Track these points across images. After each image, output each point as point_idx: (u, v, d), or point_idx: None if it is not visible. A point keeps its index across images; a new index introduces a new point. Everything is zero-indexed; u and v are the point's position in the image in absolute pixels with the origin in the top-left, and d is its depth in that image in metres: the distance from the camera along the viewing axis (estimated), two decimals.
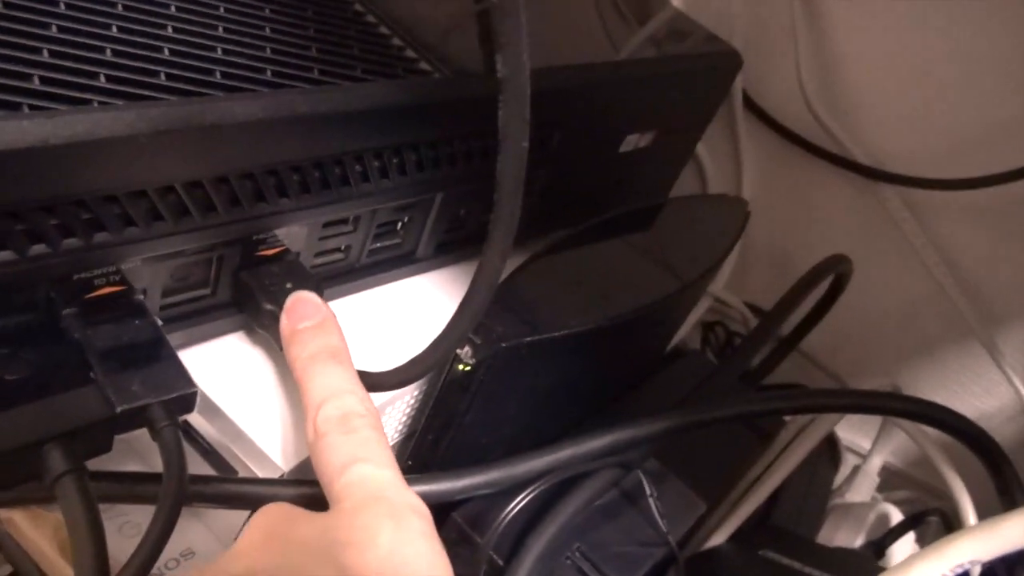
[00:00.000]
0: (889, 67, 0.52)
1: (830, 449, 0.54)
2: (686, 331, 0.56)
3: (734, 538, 0.40)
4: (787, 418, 0.47)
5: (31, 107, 0.22)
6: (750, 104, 0.57)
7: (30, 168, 0.22)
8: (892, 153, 0.53)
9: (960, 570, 0.18)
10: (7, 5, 0.25)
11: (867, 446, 0.53)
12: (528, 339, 0.31)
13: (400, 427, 0.35)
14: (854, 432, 0.59)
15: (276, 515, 0.23)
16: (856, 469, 0.52)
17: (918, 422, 0.36)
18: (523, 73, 0.20)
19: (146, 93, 0.24)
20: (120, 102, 0.24)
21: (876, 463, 0.51)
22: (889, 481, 0.58)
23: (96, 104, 0.23)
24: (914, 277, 0.55)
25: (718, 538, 0.40)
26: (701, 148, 0.59)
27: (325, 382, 0.27)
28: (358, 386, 0.27)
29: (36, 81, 0.23)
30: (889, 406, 0.36)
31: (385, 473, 0.24)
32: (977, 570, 0.35)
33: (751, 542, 0.40)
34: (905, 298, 0.56)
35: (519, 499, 0.31)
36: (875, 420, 0.53)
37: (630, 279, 0.39)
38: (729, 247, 0.44)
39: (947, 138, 0.52)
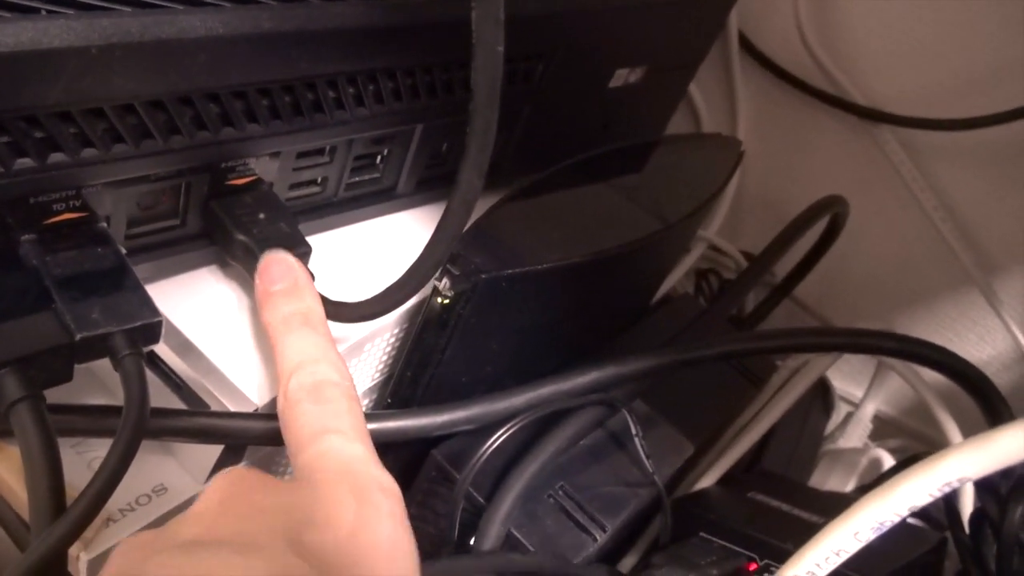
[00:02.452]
0: (888, 6, 0.51)
1: (823, 396, 0.53)
2: (678, 278, 0.55)
3: (723, 481, 0.40)
4: (779, 363, 0.46)
5: None
6: (746, 45, 0.56)
7: None
8: (890, 94, 0.52)
9: (948, 488, 0.17)
10: None
11: (860, 395, 0.52)
12: (508, 271, 0.30)
13: (381, 366, 0.34)
14: (847, 381, 0.59)
15: (236, 480, 0.22)
16: (849, 416, 0.51)
17: (916, 363, 0.35)
18: None
19: (98, 3, 0.23)
20: (70, 11, 0.22)
21: (869, 410, 0.50)
22: (881, 430, 0.57)
23: (44, 12, 0.22)
24: (911, 221, 0.53)
25: (706, 481, 0.39)
26: (695, 90, 0.57)
27: (299, 347, 0.25)
28: (333, 352, 0.26)
29: None
30: (885, 346, 0.35)
31: (355, 447, 0.23)
32: (969, 494, 0.34)
33: (740, 484, 0.39)
34: (901, 243, 0.55)
35: (499, 434, 0.30)
36: (868, 369, 0.52)
37: (616, 217, 0.38)
38: (721, 186, 0.43)
39: (946, 78, 0.50)
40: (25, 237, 0.24)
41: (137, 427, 0.22)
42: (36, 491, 0.20)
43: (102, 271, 0.25)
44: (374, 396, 0.35)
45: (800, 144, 0.57)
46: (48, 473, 0.20)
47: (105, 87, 0.23)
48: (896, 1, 0.50)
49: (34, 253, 0.24)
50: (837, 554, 0.20)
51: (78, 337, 0.23)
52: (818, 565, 0.20)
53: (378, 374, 0.34)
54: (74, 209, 0.25)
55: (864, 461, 0.46)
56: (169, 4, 0.24)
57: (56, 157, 0.23)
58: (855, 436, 0.49)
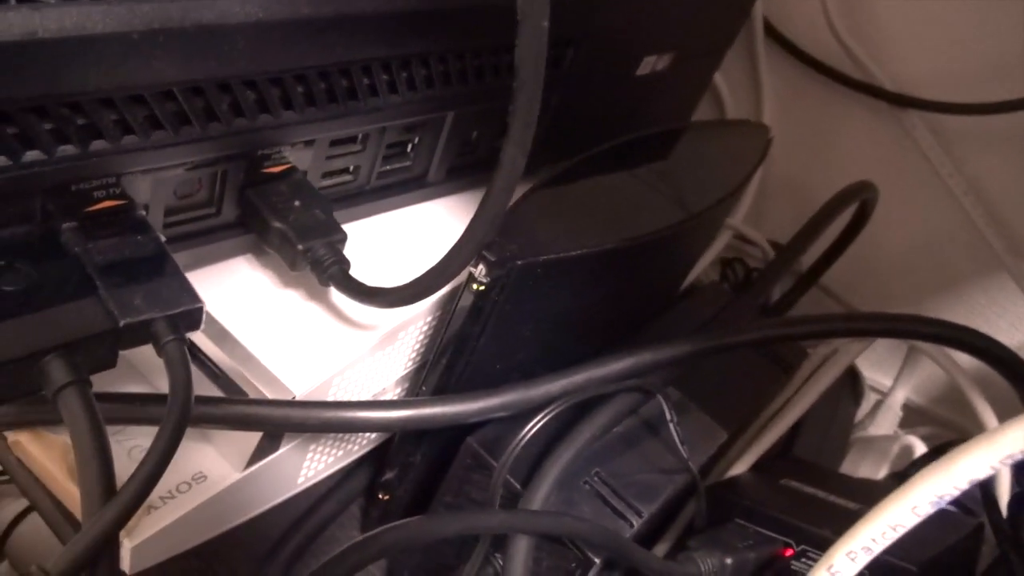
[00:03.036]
0: None
1: (853, 383, 0.53)
2: (704, 267, 0.55)
3: (755, 468, 0.40)
4: (810, 350, 0.45)
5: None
6: (771, 31, 0.56)
7: (19, 64, 0.21)
8: (918, 78, 0.52)
9: (1011, 461, 0.17)
10: None
11: (888, 383, 0.52)
12: (543, 258, 0.30)
13: (414, 354, 0.34)
14: (876, 370, 0.58)
15: None
16: (879, 403, 0.51)
17: (954, 348, 0.35)
18: None
19: None
20: None
21: (899, 397, 0.50)
22: (911, 417, 0.57)
23: None
24: (940, 207, 0.53)
25: (739, 468, 0.39)
26: (719, 77, 0.57)
27: None
28: None
29: None
30: (923, 331, 0.35)
31: None
32: (1005, 480, 0.34)
33: (773, 471, 0.39)
34: (930, 229, 0.54)
35: (535, 421, 0.30)
36: (897, 358, 0.51)
37: (647, 203, 0.38)
38: (750, 173, 0.42)
39: (974, 62, 0.50)
40: (66, 225, 0.24)
41: (183, 413, 0.22)
42: (86, 474, 0.20)
43: (142, 258, 0.25)
44: (407, 384, 0.35)
45: (827, 130, 0.56)
46: (98, 456, 0.20)
47: (146, 73, 0.23)
48: None
49: (76, 240, 0.24)
50: (894, 529, 0.20)
51: (122, 323, 0.23)
52: (874, 540, 0.20)
53: (411, 362, 0.34)
54: (114, 197, 0.25)
55: (895, 448, 0.45)
56: None
57: (97, 144, 0.24)
58: (885, 423, 0.49)
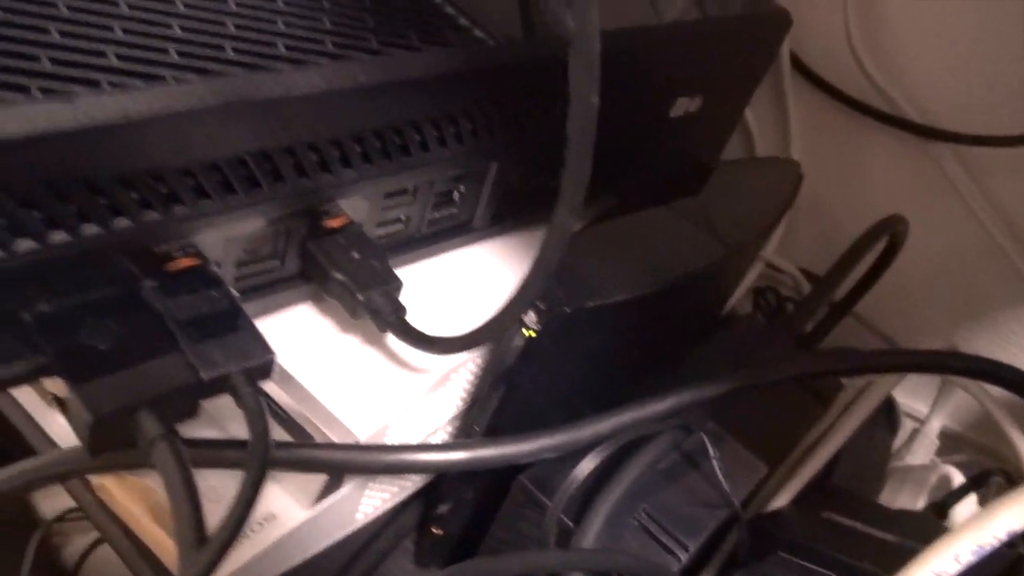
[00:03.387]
0: (940, 22, 0.52)
1: (888, 413, 0.53)
2: (738, 297, 0.56)
3: (795, 501, 0.41)
4: (845, 381, 0.46)
5: (110, 84, 0.23)
6: (797, 64, 0.57)
7: (111, 143, 0.22)
8: (945, 110, 0.53)
9: None
10: None
11: (925, 411, 0.52)
12: (588, 304, 0.31)
13: (464, 394, 0.35)
14: (911, 397, 0.59)
15: None
16: (915, 432, 0.51)
17: (981, 380, 0.36)
18: (592, 27, 0.20)
19: (215, 67, 0.25)
20: (192, 76, 0.24)
21: (935, 426, 0.51)
22: (948, 445, 0.57)
23: (169, 79, 0.24)
24: (970, 236, 0.54)
25: (779, 500, 0.40)
26: (748, 112, 0.58)
27: None
28: None
29: (113, 58, 0.24)
30: (951, 365, 0.36)
31: None
32: None
33: (813, 504, 0.40)
34: (961, 258, 0.55)
35: (586, 460, 0.31)
36: (932, 385, 0.52)
37: (684, 243, 0.39)
38: (783, 210, 0.44)
39: (1002, 94, 0.51)
40: (148, 283, 0.26)
41: (264, 461, 0.23)
42: (181, 522, 0.21)
43: (218, 313, 0.27)
44: (458, 423, 0.37)
45: (855, 162, 0.57)
46: (190, 504, 0.22)
47: (222, 143, 0.25)
48: (948, 18, 0.51)
49: (157, 298, 0.26)
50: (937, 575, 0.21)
51: (204, 377, 0.25)
52: None
53: (462, 401, 0.36)
54: (190, 255, 0.27)
55: (933, 478, 0.46)
56: (275, 64, 0.26)
57: (178, 209, 0.25)
58: (922, 452, 0.50)
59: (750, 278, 0.56)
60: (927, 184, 0.54)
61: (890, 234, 0.48)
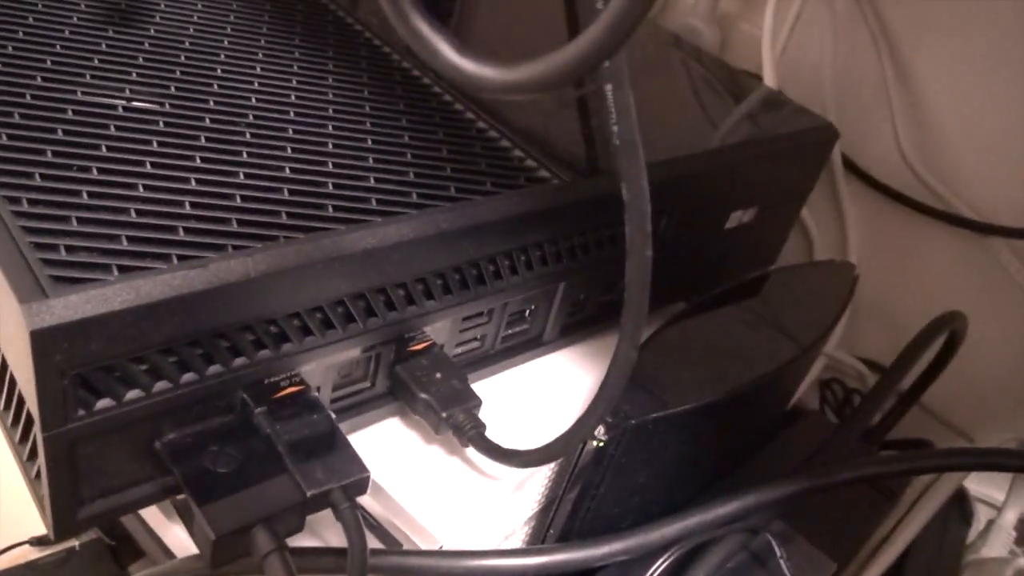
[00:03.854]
0: (986, 119, 0.54)
1: (960, 504, 0.53)
2: (803, 391, 0.57)
3: None
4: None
5: (233, 247, 0.27)
6: (850, 166, 0.59)
7: (236, 297, 0.26)
8: (997, 205, 0.54)
9: None
10: (203, 159, 0.30)
11: (1001, 498, 0.52)
12: (654, 416, 0.34)
13: (539, 497, 0.38)
14: (986, 485, 0.58)
15: None
16: (990, 524, 0.51)
17: None
18: (643, 198, 0.23)
19: (319, 225, 0.29)
20: (300, 235, 0.28)
21: (1011, 517, 0.50)
22: None
23: (281, 239, 0.28)
24: None
25: None
26: (806, 213, 0.61)
27: None
28: None
29: (234, 224, 0.28)
30: (1013, 463, 0.37)
31: None
32: None
33: None
34: None
35: (657, 566, 0.33)
36: (1006, 474, 0.52)
37: (746, 350, 0.42)
38: (840, 312, 0.46)
39: None
40: (259, 410, 0.30)
41: (363, 568, 0.26)
42: None
43: (319, 434, 0.30)
44: (533, 523, 0.39)
45: (912, 259, 0.59)
46: None
47: (325, 290, 0.29)
48: (993, 114, 0.53)
49: (266, 423, 0.30)
50: None
51: (309, 494, 0.28)
52: None
53: (536, 504, 0.38)
54: (294, 384, 0.31)
55: (1010, 572, 0.46)
56: (369, 217, 0.30)
57: (287, 347, 0.29)
58: (998, 545, 0.49)
59: (814, 372, 0.58)
60: (986, 278, 0.55)
61: (949, 330, 0.49)
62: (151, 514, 0.42)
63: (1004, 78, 0.52)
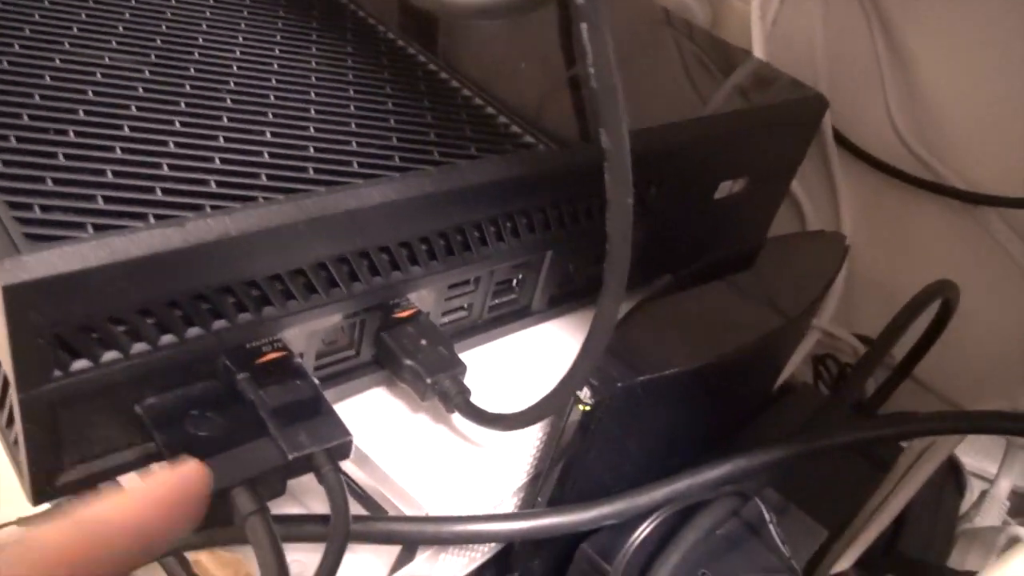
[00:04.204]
0: (977, 91, 0.53)
1: (954, 475, 0.53)
2: (796, 365, 0.57)
3: (859, 565, 0.41)
4: (904, 444, 0.47)
5: (212, 207, 0.27)
6: (841, 140, 0.59)
7: (215, 257, 0.26)
8: (989, 176, 0.54)
9: None
10: (182, 124, 0.30)
11: (994, 471, 0.52)
12: (641, 379, 0.34)
13: (528, 467, 0.38)
14: (981, 458, 0.58)
15: None
16: (984, 494, 0.51)
17: None
18: (623, 145, 0.23)
19: (300, 187, 0.29)
20: (280, 196, 0.28)
21: (1004, 487, 0.50)
22: (1022, 506, 0.56)
23: (261, 200, 0.28)
24: None
25: (842, 565, 0.41)
26: (797, 187, 0.60)
27: None
28: None
29: (213, 185, 0.28)
30: (1005, 425, 0.37)
31: None
32: None
33: (876, 568, 0.41)
34: (1018, 319, 0.55)
35: (643, 527, 0.33)
36: (999, 445, 0.52)
37: (735, 318, 0.41)
38: (829, 282, 0.45)
39: None
40: (241, 376, 0.29)
41: (344, 533, 0.26)
42: None
43: (302, 399, 0.30)
44: (522, 494, 0.39)
45: (905, 231, 0.59)
46: (280, 572, 0.25)
47: (307, 252, 0.29)
48: (985, 85, 0.53)
49: (249, 388, 0.29)
50: None
51: (291, 457, 0.28)
52: None
53: (526, 474, 0.38)
54: (277, 349, 0.30)
55: (1002, 540, 0.46)
56: (351, 179, 0.30)
57: (268, 310, 0.29)
58: (992, 514, 0.49)
59: (807, 347, 0.57)
60: (977, 248, 0.55)
61: (941, 299, 0.49)
62: None
63: (995, 50, 0.52)
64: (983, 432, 0.38)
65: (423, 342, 0.34)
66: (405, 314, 0.34)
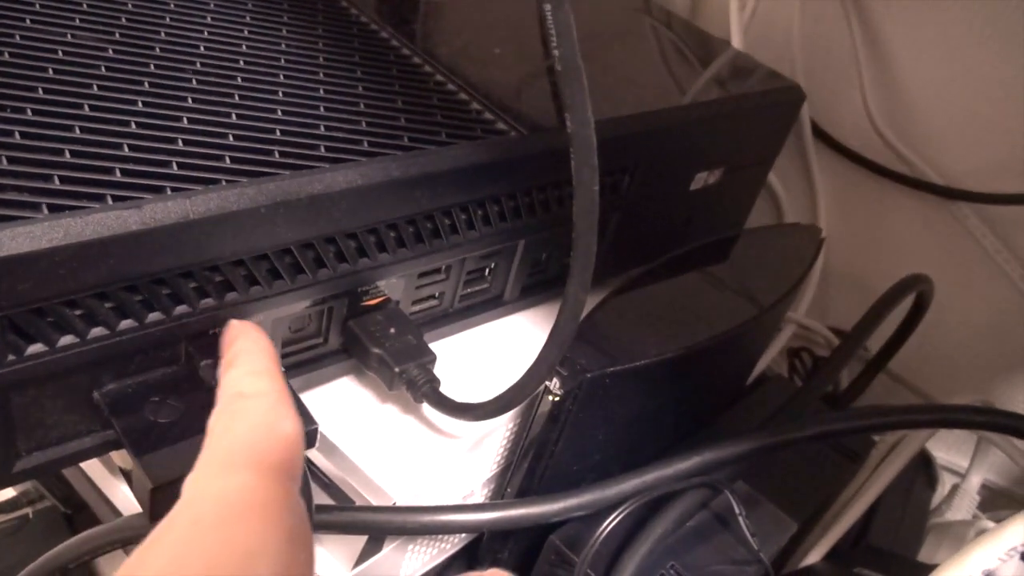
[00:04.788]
0: (954, 85, 0.53)
1: (926, 469, 0.53)
2: (771, 358, 0.57)
3: (829, 557, 0.41)
4: (877, 438, 0.47)
5: (172, 189, 0.26)
6: (819, 133, 0.59)
7: (174, 241, 0.26)
8: (964, 170, 0.54)
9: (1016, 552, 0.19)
10: (145, 104, 0.29)
11: (966, 465, 0.52)
12: (610, 369, 0.33)
13: (498, 458, 0.37)
14: (952, 452, 0.59)
15: None
16: (955, 488, 0.51)
17: (1006, 434, 0.37)
18: (589, 127, 0.22)
19: (264, 170, 0.28)
20: (244, 179, 0.27)
21: (975, 481, 0.51)
22: (993, 500, 0.57)
23: (224, 182, 0.27)
24: (999, 292, 0.54)
25: (812, 557, 0.41)
26: (775, 179, 0.60)
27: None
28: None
29: (175, 167, 0.27)
30: (975, 419, 0.37)
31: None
32: None
33: (846, 560, 0.41)
34: (992, 314, 0.56)
35: (611, 519, 0.33)
36: (971, 440, 0.52)
37: (707, 309, 0.41)
38: (803, 274, 0.45)
39: (1017, 152, 0.52)
40: (204, 363, 0.29)
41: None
42: None
43: None
44: (492, 486, 0.38)
45: (881, 224, 0.59)
46: None
47: (270, 237, 0.28)
48: (961, 80, 0.53)
49: (212, 375, 0.29)
50: None
51: None
52: None
53: (496, 465, 0.38)
54: None
55: (972, 533, 0.46)
56: (318, 164, 0.29)
57: (231, 296, 0.28)
58: (963, 508, 0.50)
59: (782, 340, 0.57)
60: (952, 243, 0.55)
61: (917, 293, 0.49)
62: (107, 483, 0.41)
63: (973, 44, 0.52)
64: (953, 426, 0.38)
65: (392, 330, 0.33)
66: (374, 302, 0.34)
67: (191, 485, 0.21)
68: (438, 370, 0.34)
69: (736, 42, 0.57)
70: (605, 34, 0.50)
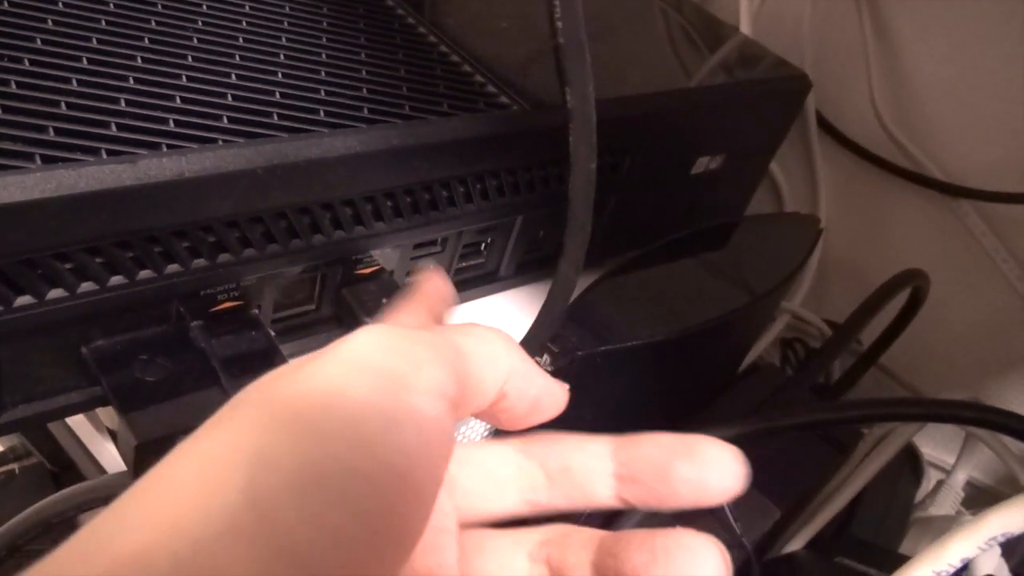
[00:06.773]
0: (962, 83, 0.53)
1: (912, 463, 0.53)
2: (764, 347, 0.57)
3: (811, 545, 0.41)
4: (865, 430, 0.47)
5: (168, 146, 0.26)
6: (824, 124, 0.59)
7: (168, 198, 0.25)
8: (968, 168, 0.54)
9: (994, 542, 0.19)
10: (144, 60, 0.29)
11: (952, 461, 0.52)
12: (603, 348, 0.33)
13: (485, 434, 0.37)
14: (938, 448, 0.59)
15: None
16: (940, 484, 0.51)
17: (994, 431, 0.37)
18: (588, 104, 0.22)
19: (262, 131, 0.28)
20: (240, 140, 0.27)
21: (960, 477, 0.51)
22: (977, 497, 0.57)
23: (220, 142, 0.27)
24: (995, 291, 0.54)
25: (795, 545, 0.41)
26: (777, 168, 0.60)
27: None
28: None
29: (171, 124, 0.27)
30: (963, 415, 0.37)
31: None
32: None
33: (828, 548, 0.41)
34: (987, 312, 0.56)
35: None
36: (959, 436, 0.52)
37: (701, 294, 0.41)
38: (801, 263, 0.45)
39: (1021, 151, 0.52)
40: (194, 323, 0.29)
41: None
42: None
43: (256, 351, 0.29)
44: None
45: (881, 218, 0.59)
46: None
47: (265, 199, 0.28)
48: (969, 77, 0.53)
49: (202, 337, 0.29)
50: None
51: None
52: None
53: (483, 441, 0.38)
54: (233, 299, 0.30)
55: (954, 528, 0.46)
56: (316, 128, 0.29)
57: (223, 257, 0.28)
58: (947, 504, 0.50)
59: (776, 330, 0.57)
60: (952, 240, 0.55)
61: (912, 287, 0.49)
62: (94, 442, 0.41)
63: (982, 42, 0.52)
64: (940, 420, 0.38)
65: (384, 301, 0.33)
66: (367, 271, 0.34)
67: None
68: None
69: (745, 28, 0.57)
70: (614, 15, 0.49)
